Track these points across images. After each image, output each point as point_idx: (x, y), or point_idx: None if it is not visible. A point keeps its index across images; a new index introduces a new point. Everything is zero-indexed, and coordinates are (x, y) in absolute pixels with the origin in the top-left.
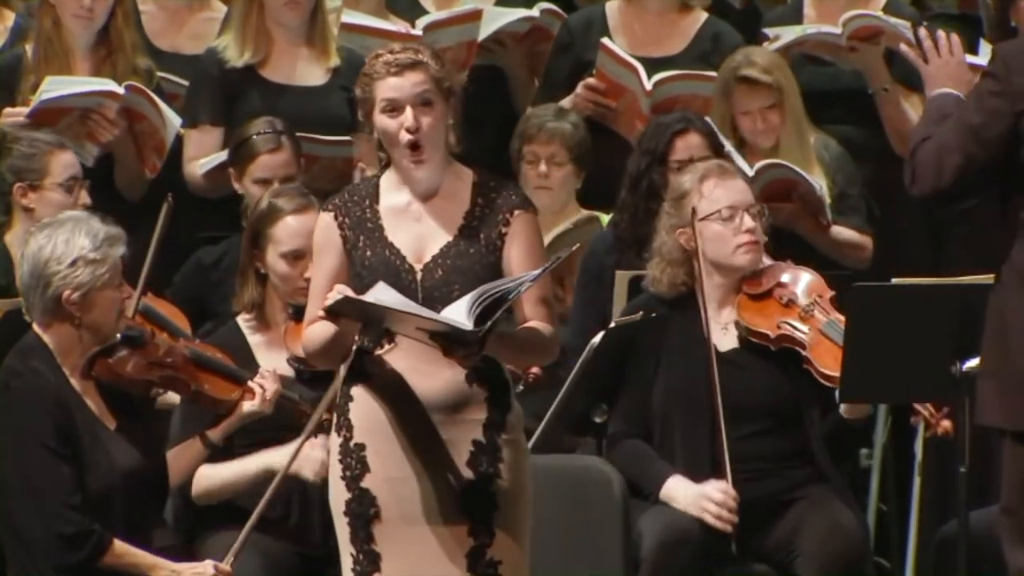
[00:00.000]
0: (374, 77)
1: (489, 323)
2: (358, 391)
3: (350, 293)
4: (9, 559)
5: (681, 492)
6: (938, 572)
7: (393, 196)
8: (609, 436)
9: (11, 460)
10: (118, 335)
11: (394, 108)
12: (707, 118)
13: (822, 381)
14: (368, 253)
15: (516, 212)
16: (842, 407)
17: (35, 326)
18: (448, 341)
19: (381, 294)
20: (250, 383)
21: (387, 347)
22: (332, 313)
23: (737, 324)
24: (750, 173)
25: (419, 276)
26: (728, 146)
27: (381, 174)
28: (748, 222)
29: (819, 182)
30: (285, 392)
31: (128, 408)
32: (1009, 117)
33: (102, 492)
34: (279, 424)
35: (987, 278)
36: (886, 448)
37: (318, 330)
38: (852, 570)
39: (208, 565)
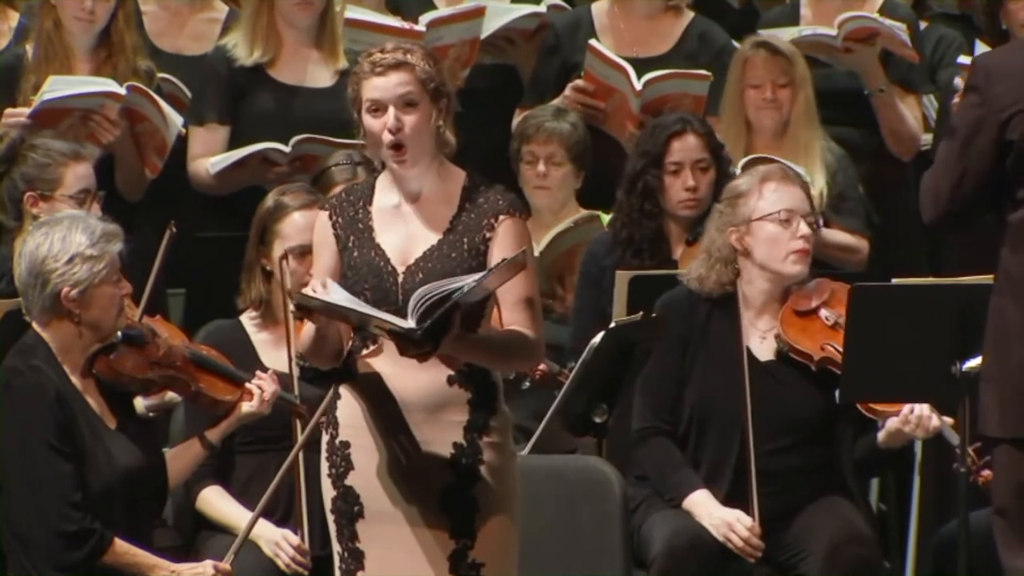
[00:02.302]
0: (360, 76)
1: (428, 322)
2: (345, 390)
3: (319, 289)
4: (9, 558)
5: (705, 510)
6: (938, 572)
7: (385, 197)
8: (638, 429)
9: (13, 458)
10: (119, 333)
11: (377, 108)
12: (704, 118)
13: (863, 411)
14: (356, 254)
15: (501, 217)
16: (879, 435)
17: (35, 324)
18: (401, 339)
19: (333, 294)
20: (248, 384)
21: (372, 348)
22: (300, 310)
23: (778, 338)
24: (736, 171)
25: (400, 278)
26: (726, 150)
27: (377, 175)
28: (804, 229)
29: (802, 169)
30: (283, 394)
31: (129, 407)
32: (993, 126)
33: (102, 490)
34: (278, 424)
35: (987, 278)
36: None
37: (307, 329)
38: (864, 572)
39: (208, 565)
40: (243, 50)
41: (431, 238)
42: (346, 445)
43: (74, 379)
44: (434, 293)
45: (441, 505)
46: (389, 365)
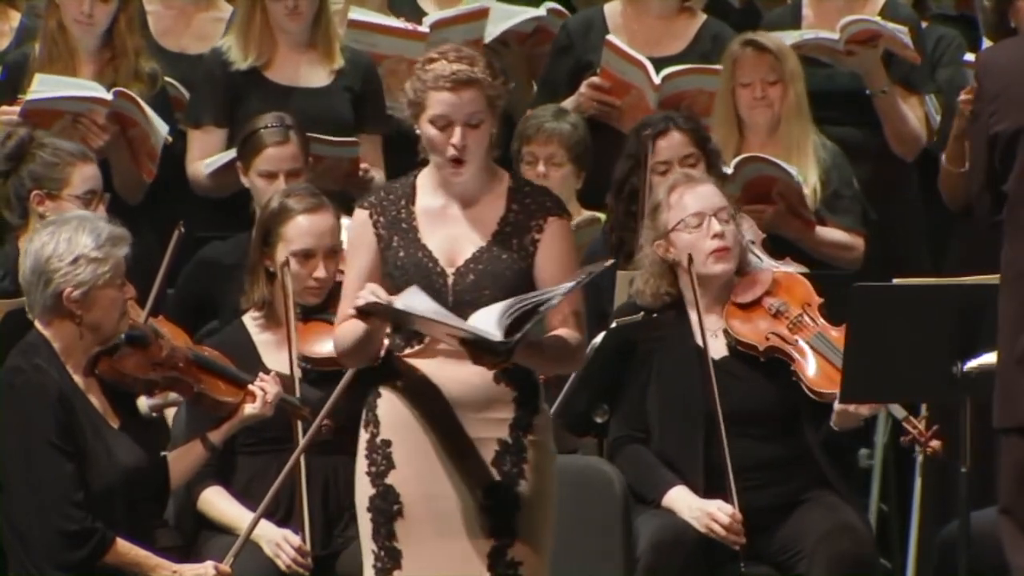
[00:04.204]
0: (427, 85)
1: (519, 335)
2: (386, 389)
3: (381, 292)
4: (10, 557)
5: (685, 504)
6: (939, 573)
7: (429, 198)
8: (611, 441)
9: (14, 457)
10: (121, 335)
11: (443, 122)
12: (692, 112)
13: (810, 395)
14: (401, 254)
15: (549, 218)
16: (832, 419)
17: (37, 324)
18: (476, 348)
19: (412, 300)
20: (251, 386)
21: (416, 347)
22: (362, 314)
23: (725, 333)
24: (728, 171)
25: (450, 280)
26: (713, 142)
27: (418, 173)
28: (715, 226)
29: (794, 169)
30: (285, 396)
31: (131, 408)
32: (986, 121)
33: (104, 490)
34: (280, 426)
35: (987, 278)
36: (886, 448)
37: (349, 328)
38: (859, 570)
39: (209, 566)
40: (238, 53)
41: (479, 239)
42: (387, 444)
43: (76, 379)
44: (522, 305)
45: (483, 503)
46: (436, 364)
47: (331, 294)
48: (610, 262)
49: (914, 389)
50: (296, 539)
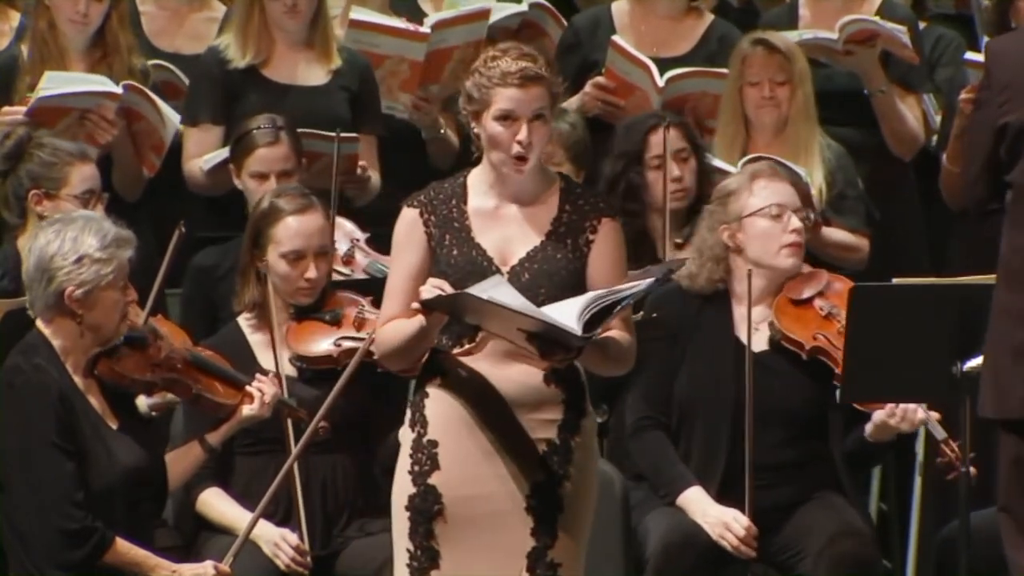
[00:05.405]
0: (493, 82)
1: (597, 330)
2: (434, 389)
3: (447, 287)
4: (10, 556)
5: (700, 508)
6: (939, 573)
7: (481, 198)
8: (633, 421)
9: (14, 457)
10: (120, 337)
11: (508, 118)
12: (684, 114)
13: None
14: (455, 252)
15: (603, 219)
16: (867, 429)
17: (38, 323)
18: (547, 344)
19: (496, 291)
20: (249, 388)
21: (467, 346)
22: (429, 307)
23: (771, 325)
24: (735, 171)
25: (505, 279)
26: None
27: (466, 174)
28: (795, 223)
29: (803, 170)
30: (282, 397)
31: (131, 408)
32: (994, 110)
33: (104, 490)
34: (278, 427)
35: (987, 278)
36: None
37: (395, 328)
38: (862, 571)
39: (208, 566)
40: (236, 52)
41: (533, 239)
42: (434, 444)
43: (76, 379)
44: (602, 301)
45: (526, 504)
46: (487, 364)
47: (324, 294)
48: (687, 258)
49: (914, 389)
50: (294, 538)
